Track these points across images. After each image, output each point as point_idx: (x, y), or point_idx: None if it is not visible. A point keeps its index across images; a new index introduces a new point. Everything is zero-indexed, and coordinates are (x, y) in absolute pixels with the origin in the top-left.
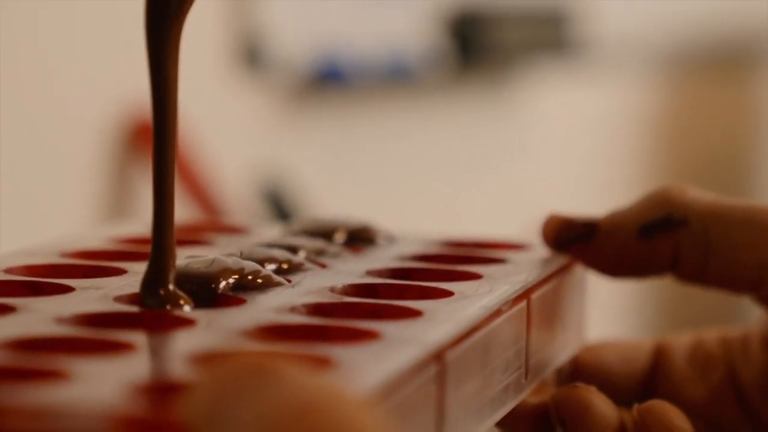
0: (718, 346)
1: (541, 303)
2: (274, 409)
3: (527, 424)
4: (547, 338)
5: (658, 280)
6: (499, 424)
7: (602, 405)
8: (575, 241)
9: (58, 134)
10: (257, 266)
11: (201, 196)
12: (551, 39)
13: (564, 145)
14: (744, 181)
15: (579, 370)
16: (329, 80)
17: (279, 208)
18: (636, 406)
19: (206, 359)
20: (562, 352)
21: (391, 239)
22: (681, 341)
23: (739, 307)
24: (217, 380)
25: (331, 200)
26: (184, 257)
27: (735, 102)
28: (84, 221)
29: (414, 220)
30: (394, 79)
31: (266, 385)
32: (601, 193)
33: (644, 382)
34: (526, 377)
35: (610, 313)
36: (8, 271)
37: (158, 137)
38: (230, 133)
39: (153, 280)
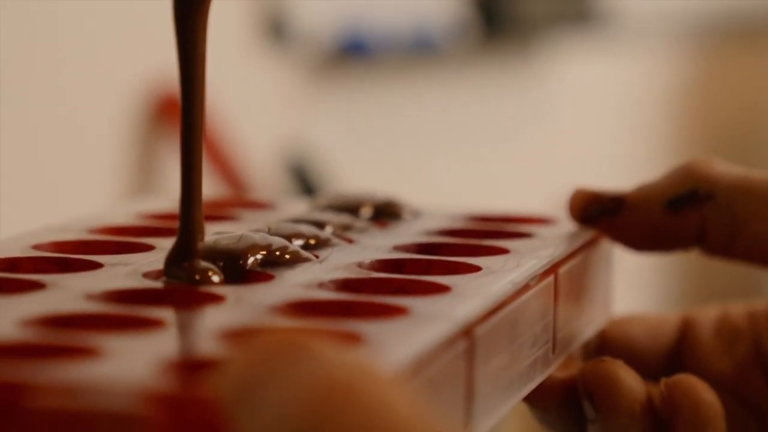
0: (744, 319)
1: (568, 277)
2: (305, 386)
3: (554, 399)
4: (574, 312)
5: (682, 255)
6: (526, 398)
7: (630, 379)
8: (602, 215)
9: (84, 109)
10: (285, 242)
11: (226, 170)
12: (575, 10)
13: (588, 117)
14: (765, 154)
15: (605, 345)
16: (353, 53)
17: (304, 182)
18: (663, 380)
19: (237, 336)
20: (588, 326)
21: (416, 214)
22: (707, 315)
23: (764, 280)
24: (250, 357)
25: (356, 173)
26: (212, 233)
27: (759, 73)
28: (109, 196)
29: (438, 192)
30: (418, 51)
31: (298, 361)
32: (624, 165)
33: (670, 356)
34: (553, 352)
35: (634, 287)
36: (36, 247)
37: (186, 110)
38: (255, 107)
39: (180, 253)
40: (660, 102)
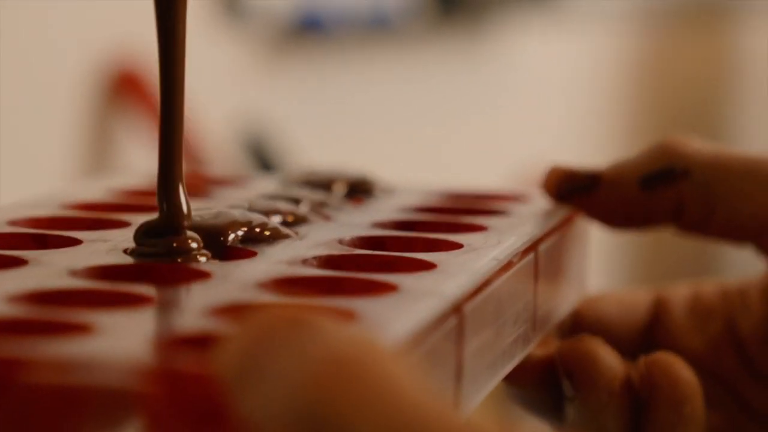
0: (717, 297)
1: (547, 255)
2: (309, 361)
3: (533, 377)
4: (552, 290)
5: (637, 234)
6: (506, 377)
7: (608, 357)
8: (577, 192)
9: (37, 84)
10: (264, 218)
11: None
12: None
13: (543, 94)
14: (721, 129)
15: (579, 323)
16: (310, 30)
17: (260, 158)
18: (642, 358)
19: (228, 312)
20: (565, 304)
21: (389, 191)
22: (680, 293)
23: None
24: (250, 332)
25: (312, 150)
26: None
27: (712, 51)
28: (65, 174)
29: (394, 169)
30: (374, 28)
31: (301, 336)
32: (578, 142)
33: (643, 333)
34: (533, 330)
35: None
36: (12, 223)
37: (166, 78)
38: (211, 83)
39: (164, 227)
40: (612, 79)
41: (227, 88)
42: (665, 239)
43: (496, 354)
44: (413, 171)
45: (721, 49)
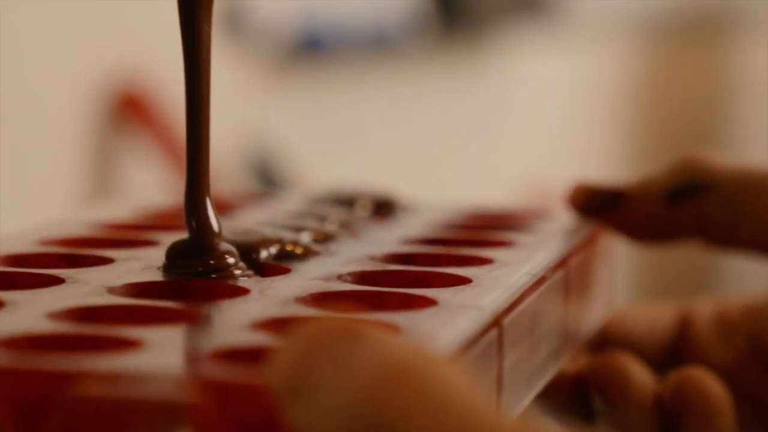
0: (741, 313)
1: (577, 270)
2: (363, 370)
3: (565, 392)
4: (581, 305)
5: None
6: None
7: (639, 373)
8: (603, 208)
9: (40, 105)
10: (295, 236)
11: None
12: (531, 4)
13: (543, 110)
14: (720, 145)
15: (606, 338)
16: (311, 49)
17: (264, 175)
18: (673, 373)
19: (270, 326)
20: (593, 319)
21: (413, 209)
22: (705, 309)
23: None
24: (302, 343)
25: (316, 167)
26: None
27: (710, 67)
28: (68, 196)
29: (398, 186)
30: (375, 47)
31: (354, 346)
32: (580, 157)
33: (669, 349)
34: (564, 345)
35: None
36: (44, 242)
37: (191, 97)
38: (215, 101)
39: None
40: (612, 95)
41: (230, 107)
42: (663, 253)
43: (531, 368)
44: (417, 188)
45: (719, 65)
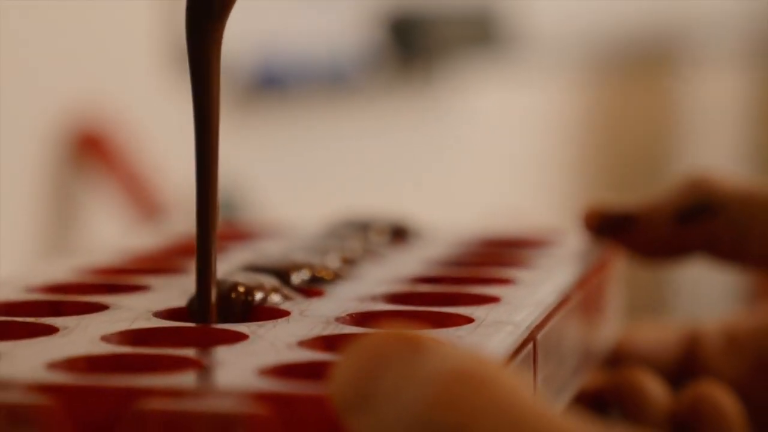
0: (749, 331)
1: (595, 290)
2: (428, 379)
3: (584, 408)
4: (598, 324)
5: None
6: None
7: (655, 388)
8: (615, 229)
9: None
10: (323, 260)
11: (146, 201)
12: (486, 39)
13: (499, 142)
14: (669, 174)
15: (618, 355)
16: (269, 86)
17: (228, 212)
18: (689, 389)
19: (317, 344)
20: (608, 337)
21: (426, 234)
22: (713, 327)
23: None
24: (362, 354)
25: (278, 203)
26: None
27: (659, 100)
28: (24, 239)
29: None
30: (332, 84)
31: (415, 356)
32: (535, 188)
33: (679, 366)
34: (584, 362)
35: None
36: (81, 272)
37: (201, 140)
38: (173, 139)
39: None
40: (564, 128)
41: (189, 144)
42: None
43: (558, 384)
44: None
45: (669, 97)
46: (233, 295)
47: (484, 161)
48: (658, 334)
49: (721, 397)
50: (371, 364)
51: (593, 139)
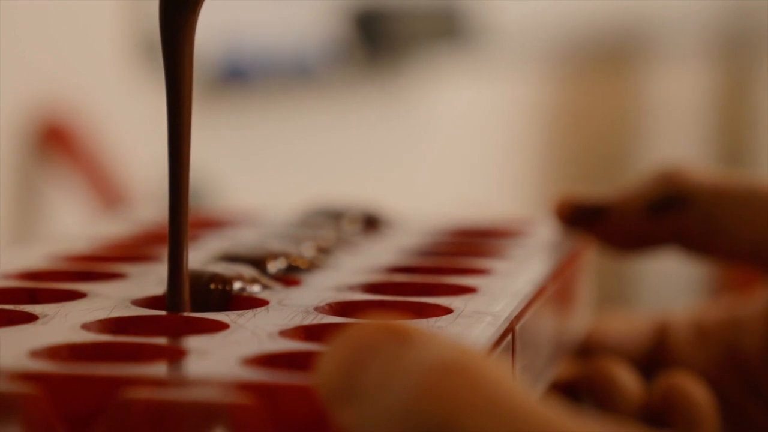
0: (718, 322)
1: (568, 281)
2: (416, 370)
3: (556, 398)
4: (569, 315)
5: None
6: None
7: (627, 379)
8: (587, 219)
9: None
10: (299, 249)
11: (108, 192)
12: (452, 32)
13: (465, 135)
14: (630, 168)
15: (588, 346)
16: (234, 79)
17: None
18: (661, 380)
19: (298, 333)
20: (578, 328)
21: (398, 223)
22: (682, 318)
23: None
24: (349, 345)
25: (242, 196)
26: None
27: (622, 95)
28: None
29: None
30: (298, 75)
31: (402, 347)
32: (498, 182)
33: (648, 357)
34: (557, 352)
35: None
36: (55, 259)
37: (173, 129)
38: (136, 132)
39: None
40: (527, 121)
41: (153, 136)
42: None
43: (534, 374)
44: None
45: (630, 93)
46: (212, 286)
47: (449, 154)
48: (628, 325)
49: (692, 388)
50: (357, 354)
51: (557, 132)
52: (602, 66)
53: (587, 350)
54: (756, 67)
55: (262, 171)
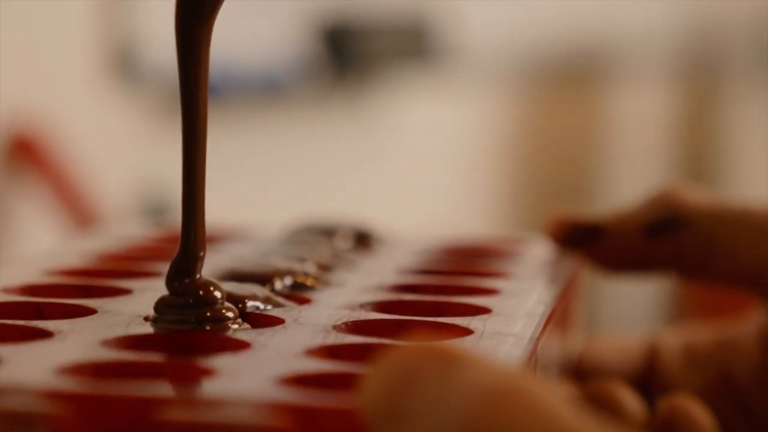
0: (710, 344)
1: (569, 301)
2: (466, 394)
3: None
4: (568, 334)
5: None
6: None
7: (631, 400)
8: (581, 241)
9: None
10: (303, 266)
11: (76, 206)
12: (419, 51)
13: (429, 153)
14: (593, 185)
15: (580, 368)
16: None
17: (160, 220)
18: (663, 402)
19: (324, 353)
20: (575, 348)
21: (390, 240)
22: (673, 340)
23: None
24: (395, 367)
25: (211, 212)
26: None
27: (586, 113)
28: None
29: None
30: (267, 91)
31: (450, 370)
32: (464, 199)
33: (639, 379)
34: (560, 372)
35: None
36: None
37: (188, 131)
38: (106, 146)
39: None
40: (492, 139)
41: (122, 152)
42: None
43: None
44: None
45: (594, 112)
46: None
47: (415, 171)
48: (619, 347)
49: (695, 410)
50: (404, 376)
51: (522, 150)
52: (567, 86)
53: (580, 372)
54: (718, 88)
55: (229, 186)
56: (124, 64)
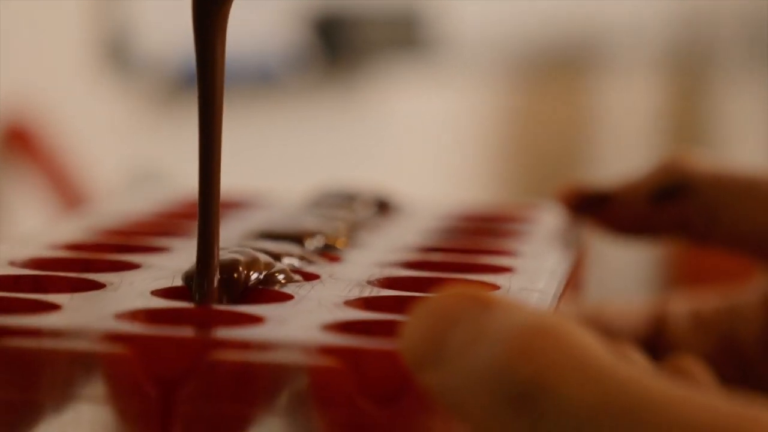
0: (716, 311)
1: (583, 264)
2: (502, 334)
3: None
4: (578, 298)
5: None
6: None
7: (641, 360)
8: (591, 207)
9: None
10: (332, 227)
11: (71, 195)
12: (410, 41)
13: (420, 143)
14: (580, 175)
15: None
16: (193, 84)
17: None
18: (668, 362)
19: (361, 304)
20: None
21: (409, 207)
22: (679, 306)
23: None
24: (434, 313)
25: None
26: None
27: (574, 104)
28: None
29: None
30: (259, 81)
31: (487, 313)
32: (454, 187)
33: (646, 344)
34: None
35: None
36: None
37: (204, 123)
38: (100, 134)
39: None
40: (483, 128)
41: (116, 140)
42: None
43: None
44: None
45: (583, 101)
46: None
47: (407, 161)
48: (626, 311)
49: (698, 371)
50: (442, 320)
51: (512, 139)
52: (557, 76)
53: None
54: (708, 78)
55: (223, 175)
56: (117, 53)
